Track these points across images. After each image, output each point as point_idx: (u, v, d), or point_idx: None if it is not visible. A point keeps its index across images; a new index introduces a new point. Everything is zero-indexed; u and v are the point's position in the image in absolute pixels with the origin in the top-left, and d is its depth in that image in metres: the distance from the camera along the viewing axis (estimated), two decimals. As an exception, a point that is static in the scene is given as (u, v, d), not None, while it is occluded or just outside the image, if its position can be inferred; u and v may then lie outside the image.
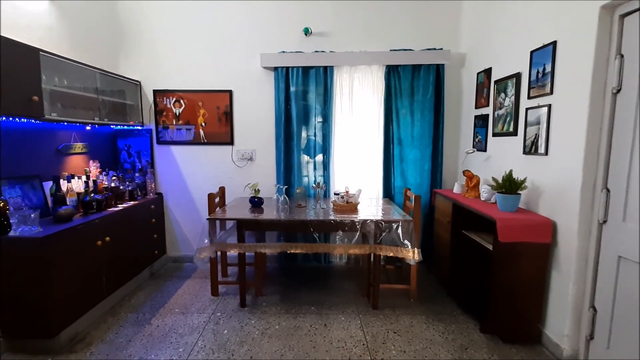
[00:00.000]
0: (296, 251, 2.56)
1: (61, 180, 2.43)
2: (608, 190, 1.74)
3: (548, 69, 2.06)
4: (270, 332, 2.28)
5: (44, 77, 2.12)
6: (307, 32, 3.21)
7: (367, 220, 2.47)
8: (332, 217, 2.53)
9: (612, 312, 1.73)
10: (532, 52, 2.22)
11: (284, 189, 2.90)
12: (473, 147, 3.05)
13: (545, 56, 2.10)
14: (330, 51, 3.20)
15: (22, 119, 2.13)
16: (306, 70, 3.19)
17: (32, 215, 2.01)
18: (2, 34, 1.90)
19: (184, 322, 2.39)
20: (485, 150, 2.87)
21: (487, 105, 2.83)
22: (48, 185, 2.39)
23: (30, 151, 2.39)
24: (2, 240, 1.91)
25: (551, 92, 2.04)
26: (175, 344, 2.15)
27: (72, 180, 2.53)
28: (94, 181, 2.64)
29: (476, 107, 3.03)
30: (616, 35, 1.67)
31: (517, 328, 2.13)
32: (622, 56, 1.65)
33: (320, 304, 2.65)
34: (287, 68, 3.18)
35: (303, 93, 3.24)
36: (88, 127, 2.87)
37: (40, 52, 2.09)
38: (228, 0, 3.22)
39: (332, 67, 3.19)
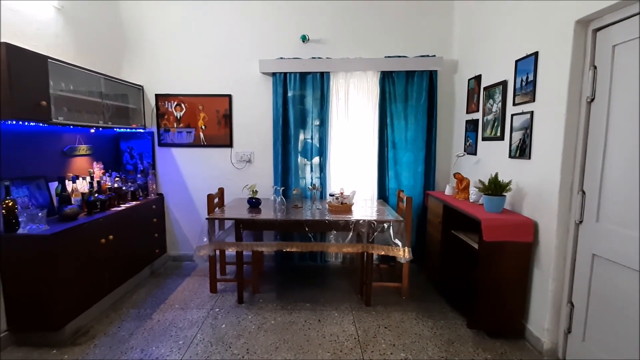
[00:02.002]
0: (292, 250, 2.66)
1: (66, 181, 2.53)
2: (584, 193, 1.85)
3: (531, 77, 2.18)
4: (266, 326, 2.38)
5: (52, 82, 2.22)
6: (304, 39, 3.32)
7: (360, 220, 2.57)
8: (327, 218, 2.63)
9: (587, 307, 1.83)
10: (516, 61, 2.33)
11: (281, 190, 3.01)
12: (464, 150, 3.16)
13: (528, 65, 2.21)
14: (327, 57, 3.31)
15: (30, 123, 2.23)
16: (303, 75, 3.30)
17: (39, 214, 2.11)
18: (15, 44, 2.01)
19: (184, 317, 2.49)
20: (475, 154, 2.97)
21: (477, 110, 2.93)
22: (54, 185, 2.49)
23: (37, 153, 2.48)
24: (11, 237, 2.02)
25: (534, 100, 2.15)
26: (175, 337, 2.25)
27: (77, 181, 2.64)
28: (98, 182, 2.75)
29: (467, 112, 3.14)
30: (590, 48, 1.79)
31: (501, 323, 2.23)
32: (595, 67, 1.77)
33: (315, 301, 2.75)
34: (285, 73, 3.29)
35: (300, 97, 3.35)
36: (92, 130, 2.98)
37: (49, 60, 2.20)
38: (228, 7, 3.33)
39: (328, 72, 3.30)
